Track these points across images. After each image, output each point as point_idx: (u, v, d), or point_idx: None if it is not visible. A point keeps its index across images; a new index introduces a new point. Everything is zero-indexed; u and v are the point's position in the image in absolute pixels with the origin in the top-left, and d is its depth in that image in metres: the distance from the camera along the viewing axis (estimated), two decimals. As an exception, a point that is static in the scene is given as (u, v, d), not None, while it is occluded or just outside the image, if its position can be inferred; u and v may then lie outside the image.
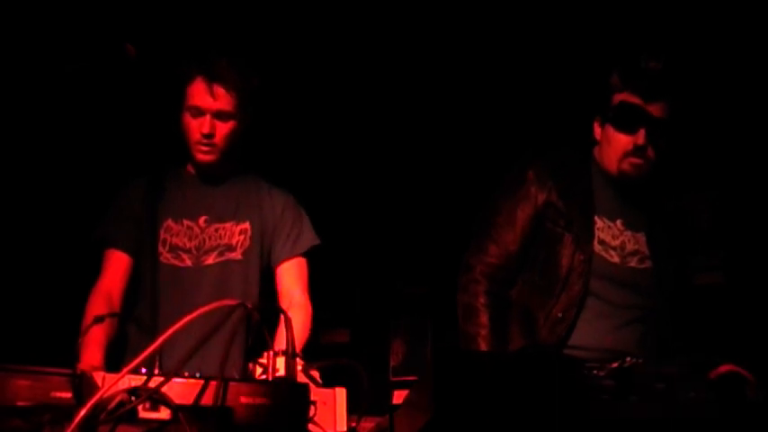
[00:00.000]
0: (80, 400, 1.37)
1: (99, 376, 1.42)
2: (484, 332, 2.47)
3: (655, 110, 2.49)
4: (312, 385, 1.61)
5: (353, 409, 1.74)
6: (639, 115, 2.48)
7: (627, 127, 2.51)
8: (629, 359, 2.12)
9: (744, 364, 2.22)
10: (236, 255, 2.54)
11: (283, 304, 2.51)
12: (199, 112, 2.47)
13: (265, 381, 1.56)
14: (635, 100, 2.49)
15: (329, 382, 1.80)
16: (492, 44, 3.81)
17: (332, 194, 4.06)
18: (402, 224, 4.71)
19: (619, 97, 2.53)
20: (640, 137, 2.48)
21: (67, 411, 1.35)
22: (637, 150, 2.50)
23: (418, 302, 4.90)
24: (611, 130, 2.55)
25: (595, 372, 1.87)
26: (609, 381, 1.84)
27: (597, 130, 2.63)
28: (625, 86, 2.52)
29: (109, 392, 1.37)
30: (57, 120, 3.40)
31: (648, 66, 2.52)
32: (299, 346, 2.20)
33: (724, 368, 2.14)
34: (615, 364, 1.91)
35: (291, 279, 2.58)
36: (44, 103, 3.30)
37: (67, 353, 1.95)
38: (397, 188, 4.58)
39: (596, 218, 2.56)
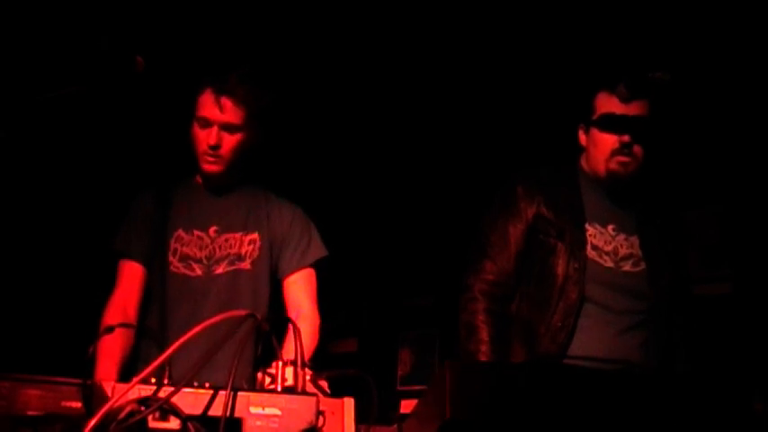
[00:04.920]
0: (90, 410, 1.37)
1: (109, 386, 1.42)
2: (484, 348, 2.49)
3: (637, 108, 2.53)
4: (320, 395, 1.61)
5: (362, 419, 1.74)
6: (623, 115, 2.53)
7: (612, 127, 2.53)
8: (638, 370, 2.12)
9: (751, 375, 2.22)
10: (246, 264, 2.54)
11: (291, 315, 2.51)
12: (206, 123, 2.47)
13: (274, 391, 1.56)
14: (617, 100, 2.54)
15: (337, 392, 1.80)
16: (482, 63, 3.85)
17: (337, 205, 4.07)
18: (408, 235, 4.72)
19: (599, 98, 2.57)
20: (625, 134, 2.53)
21: (78, 421, 1.35)
22: (623, 148, 2.54)
23: (425, 313, 4.91)
24: (596, 132, 2.60)
25: (604, 383, 1.87)
26: (617, 392, 1.84)
27: (582, 136, 2.68)
28: (606, 89, 2.55)
29: (119, 402, 1.38)
30: (68, 131, 3.42)
31: (656, 77, 2.56)
32: (306, 356, 2.20)
33: (733, 380, 2.14)
34: (623, 375, 1.91)
35: (299, 290, 2.58)
36: (53, 114, 3.32)
37: (80, 363, 1.96)
38: (403, 199, 4.59)
39: (587, 225, 2.59)
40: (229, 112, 2.47)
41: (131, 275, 2.49)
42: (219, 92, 2.45)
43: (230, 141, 2.49)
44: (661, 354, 2.54)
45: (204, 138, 2.48)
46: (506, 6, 3.50)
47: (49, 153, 3.42)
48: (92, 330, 2.36)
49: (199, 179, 2.63)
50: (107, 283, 2.49)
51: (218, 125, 2.47)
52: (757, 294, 3.72)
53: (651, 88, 2.56)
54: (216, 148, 2.47)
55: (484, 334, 2.51)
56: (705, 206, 3.99)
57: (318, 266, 2.66)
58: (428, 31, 3.70)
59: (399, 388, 4.88)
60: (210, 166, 2.51)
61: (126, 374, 2.26)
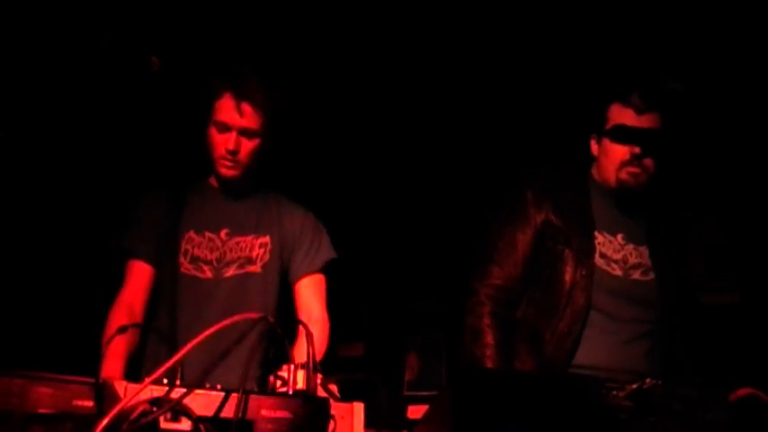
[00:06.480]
0: (101, 409, 1.37)
1: (121, 386, 1.42)
2: (489, 352, 2.49)
3: (650, 121, 2.53)
4: (330, 399, 1.61)
5: (370, 423, 1.73)
6: (636, 127, 2.53)
7: (624, 138, 2.54)
8: (648, 380, 2.11)
9: (761, 387, 2.21)
10: (256, 268, 2.53)
11: (302, 319, 2.49)
12: (225, 128, 2.46)
13: (285, 394, 1.56)
14: (630, 112, 2.53)
15: (346, 396, 1.80)
16: (492, 69, 3.85)
17: (344, 208, 4.07)
18: (415, 239, 4.71)
19: (613, 109, 2.57)
20: (637, 146, 2.54)
21: (89, 420, 1.35)
22: (634, 159, 2.54)
23: (433, 318, 4.90)
24: (608, 142, 2.61)
25: (614, 392, 1.87)
26: (628, 401, 1.84)
27: (594, 146, 2.69)
28: (620, 100, 2.55)
29: (131, 402, 1.37)
30: (79, 129, 3.41)
31: (669, 86, 2.56)
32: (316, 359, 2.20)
33: (743, 391, 2.14)
34: (635, 385, 1.91)
35: (310, 294, 2.58)
36: (65, 112, 3.31)
37: (90, 361, 1.95)
38: (409, 203, 4.59)
39: (596, 233, 2.59)
40: (249, 117, 2.45)
41: (139, 275, 2.48)
42: (239, 97, 2.43)
43: (248, 146, 2.48)
44: (667, 363, 2.53)
45: (222, 142, 2.47)
46: (521, 12, 3.51)
47: (55, 152, 3.42)
48: (102, 329, 2.35)
49: (212, 181, 2.62)
50: (116, 282, 2.48)
51: (236, 130, 2.46)
52: (763, 303, 3.72)
53: (665, 99, 2.56)
54: (234, 153, 2.46)
55: (489, 338, 2.51)
56: (710, 212, 3.98)
57: (326, 270, 2.65)
58: (438, 40, 3.70)
59: (406, 393, 4.86)
60: (228, 171, 2.50)
61: (131, 373, 2.25)
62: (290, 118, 2.62)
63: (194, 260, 2.49)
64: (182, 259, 2.47)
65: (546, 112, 3.93)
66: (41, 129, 3.34)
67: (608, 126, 2.59)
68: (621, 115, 2.56)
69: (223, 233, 2.54)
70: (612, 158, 2.59)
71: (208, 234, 2.53)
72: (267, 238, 2.57)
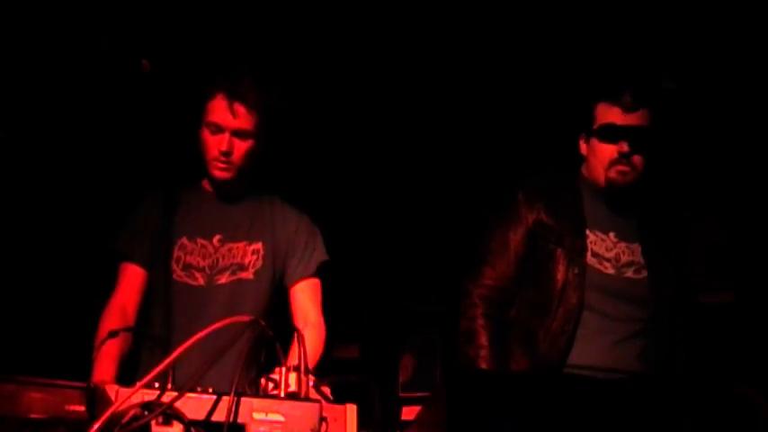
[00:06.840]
0: (93, 413, 1.37)
1: (112, 390, 1.42)
2: (483, 353, 2.49)
3: (637, 118, 2.53)
4: (323, 401, 1.61)
5: (363, 425, 1.74)
6: (623, 126, 2.54)
7: (611, 137, 2.54)
8: (636, 379, 2.11)
9: (755, 385, 2.21)
10: (248, 274, 2.52)
11: (298, 324, 2.49)
12: (218, 129, 2.44)
13: (277, 396, 1.56)
14: (616, 110, 2.53)
15: (339, 398, 1.80)
16: (491, 69, 3.86)
17: (341, 210, 4.07)
18: (411, 239, 4.72)
19: (600, 108, 2.58)
20: (624, 144, 2.53)
21: (81, 425, 1.35)
22: (622, 158, 2.55)
23: (428, 318, 4.90)
24: (595, 141, 2.62)
25: (607, 391, 1.87)
26: (620, 400, 1.84)
27: (583, 145, 2.70)
28: (607, 99, 2.56)
29: (122, 406, 1.38)
30: (70, 131, 3.42)
31: (662, 84, 2.57)
32: (311, 364, 2.19)
33: (736, 390, 2.14)
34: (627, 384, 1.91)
35: (306, 299, 2.57)
36: (65, 112, 3.32)
37: (81, 366, 1.96)
38: (405, 204, 4.59)
39: (588, 231, 2.60)
40: (242, 118, 2.44)
41: (132, 278, 2.48)
42: (232, 97, 2.42)
43: (242, 147, 2.47)
44: (661, 362, 2.54)
45: (215, 144, 2.45)
46: (515, 17, 3.51)
47: (54, 153, 3.42)
48: (94, 333, 2.35)
49: (205, 185, 2.61)
50: (109, 286, 2.48)
51: (230, 131, 2.44)
52: (759, 303, 3.72)
53: (656, 96, 2.57)
54: (228, 154, 2.45)
55: (483, 339, 2.52)
56: (710, 212, 3.98)
57: (325, 271, 2.64)
58: (435, 40, 3.71)
59: (401, 394, 4.86)
60: (221, 173, 2.48)
61: (125, 378, 2.24)
62: (285, 118, 2.61)
63: (186, 267, 2.48)
64: (174, 266, 2.46)
65: (546, 113, 3.93)
66: (41, 129, 3.35)
67: (595, 125, 2.60)
68: (608, 114, 2.57)
69: (216, 239, 2.53)
70: (601, 158, 2.59)
71: (200, 241, 2.52)
72: (260, 245, 2.56)
